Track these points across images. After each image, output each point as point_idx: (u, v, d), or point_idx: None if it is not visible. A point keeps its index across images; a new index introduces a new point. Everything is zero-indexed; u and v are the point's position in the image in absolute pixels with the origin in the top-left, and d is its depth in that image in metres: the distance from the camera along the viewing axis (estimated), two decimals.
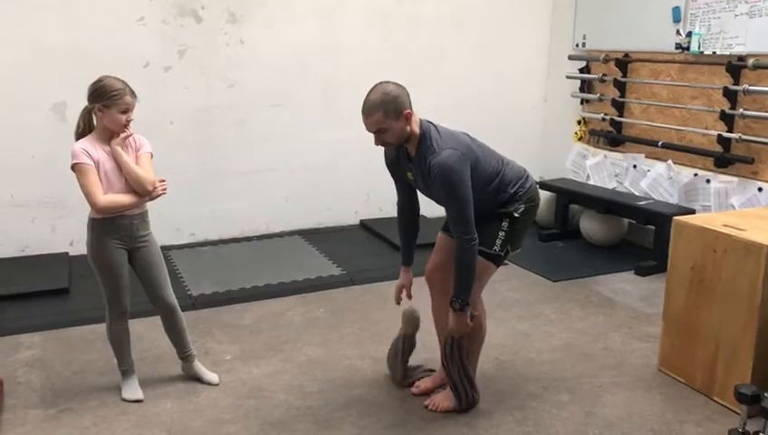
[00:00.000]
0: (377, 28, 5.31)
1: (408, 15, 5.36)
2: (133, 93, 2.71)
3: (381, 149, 2.80)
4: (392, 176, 2.90)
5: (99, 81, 2.69)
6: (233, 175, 5.06)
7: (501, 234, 2.74)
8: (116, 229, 2.76)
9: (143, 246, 2.84)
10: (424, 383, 3.04)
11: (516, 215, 2.76)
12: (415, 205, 2.95)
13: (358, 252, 4.85)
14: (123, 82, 2.71)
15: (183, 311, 3.05)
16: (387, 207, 5.59)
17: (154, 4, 4.63)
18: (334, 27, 5.18)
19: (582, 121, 5.64)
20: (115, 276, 2.81)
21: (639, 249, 4.96)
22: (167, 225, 4.63)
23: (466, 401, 2.85)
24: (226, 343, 3.48)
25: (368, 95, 2.59)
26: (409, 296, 3.02)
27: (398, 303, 3.05)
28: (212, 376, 3.07)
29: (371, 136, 2.65)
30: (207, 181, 4.98)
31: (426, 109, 5.78)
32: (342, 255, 4.73)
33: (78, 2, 4.44)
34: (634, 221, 5.04)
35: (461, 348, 2.79)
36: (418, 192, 2.88)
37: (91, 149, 2.69)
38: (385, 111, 2.55)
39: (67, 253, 4.53)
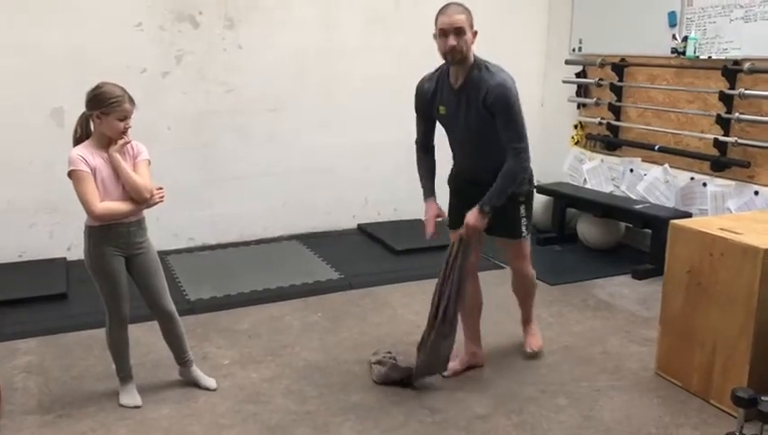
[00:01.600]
0: (374, 32, 5.32)
1: (406, 19, 5.37)
2: (132, 101, 2.71)
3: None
4: (419, 114, 3.06)
5: (98, 87, 2.69)
6: (231, 179, 5.06)
7: (523, 220, 3.06)
8: (113, 236, 2.76)
9: (141, 253, 2.84)
10: (453, 366, 3.17)
11: (522, 199, 3.03)
12: (432, 144, 3.15)
13: (356, 256, 4.86)
14: (122, 88, 2.70)
15: (181, 315, 3.05)
16: (385, 211, 5.61)
17: (152, 9, 4.64)
18: (332, 32, 5.19)
19: (579, 126, 5.66)
20: (113, 284, 2.80)
21: (636, 253, 4.97)
22: (165, 229, 4.64)
23: (444, 320, 2.94)
24: (225, 347, 3.48)
25: (449, 4, 2.80)
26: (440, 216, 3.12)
27: (431, 234, 3.06)
28: (210, 381, 3.07)
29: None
30: (206, 186, 4.98)
31: None
32: (340, 259, 4.74)
33: (76, 7, 4.44)
34: (631, 225, 5.06)
35: (465, 255, 2.92)
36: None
37: (88, 155, 2.69)
38: (468, 17, 2.78)
39: (65, 258, 4.53)
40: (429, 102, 2.96)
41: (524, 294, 3.39)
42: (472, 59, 2.83)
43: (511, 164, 2.82)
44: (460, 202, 3.04)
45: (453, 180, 3.16)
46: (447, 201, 3.17)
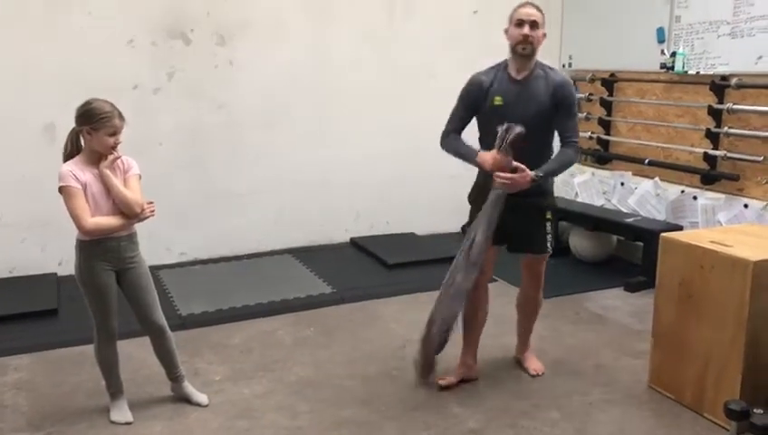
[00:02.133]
0: (367, 47, 5.35)
1: (398, 34, 5.41)
2: (121, 116, 2.71)
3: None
4: (465, 103, 3.06)
5: (87, 103, 2.69)
6: (223, 194, 5.06)
7: (548, 237, 3.12)
8: (104, 251, 2.75)
9: (132, 268, 2.83)
10: (448, 378, 3.18)
11: (550, 214, 3.11)
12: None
13: (348, 270, 4.85)
14: (111, 104, 2.71)
15: (172, 330, 3.03)
16: (377, 224, 5.61)
17: (144, 26, 4.65)
18: (324, 47, 5.22)
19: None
20: (103, 299, 2.79)
21: (628, 265, 4.99)
22: (157, 244, 4.62)
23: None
24: (216, 363, 3.46)
25: (527, 2, 2.99)
26: None
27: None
28: (201, 397, 3.05)
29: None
30: (198, 201, 4.98)
31: (416, 124, 5.85)
32: (333, 273, 4.73)
33: (68, 24, 4.46)
34: (623, 238, 5.08)
35: (492, 217, 2.91)
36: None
37: (78, 171, 2.68)
38: (543, 17, 2.96)
39: (56, 273, 4.51)
40: (483, 93, 2.99)
41: (532, 312, 3.39)
42: (536, 57, 2.99)
43: (570, 152, 2.99)
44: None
45: (481, 192, 3.04)
46: (471, 213, 3.15)
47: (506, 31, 2.99)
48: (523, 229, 3.05)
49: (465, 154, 3.02)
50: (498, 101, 2.96)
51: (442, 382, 3.17)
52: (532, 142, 2.90)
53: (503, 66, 3.03)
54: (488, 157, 2.88)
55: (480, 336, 3.29)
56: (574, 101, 3.05)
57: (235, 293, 4.33)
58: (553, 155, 3.04)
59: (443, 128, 3.11)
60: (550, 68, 3.04)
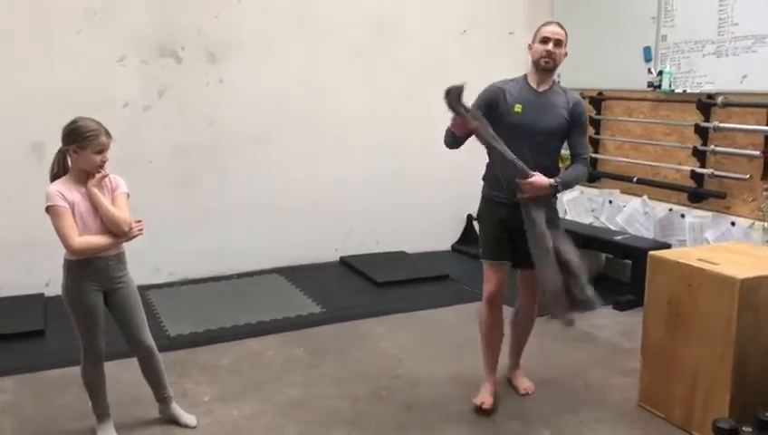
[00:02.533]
0: (356, 67, 5.38)
1: (387, 55, 5.45)
2: (108, 134, 2.71)
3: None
4: (485, 102, 3.05)
5: (73, 122, 2.69)
6: (213, 213, 5.05)
7: None
8: (92, 271, 2.73)
9: (119, 288, 2.81)
10: (486, 399, 3.17)
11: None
12: None
13: (338, 289, 4.84)
14: (98, 122, 2.70)
15: (160, 351, 3.01)
16: (367, 243, 5.61)
17: (135, 44, 4.67)
18: (314, 67, 5.25)
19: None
20: (90, 319, 2.77)
21: (617, 283, 4.99)
22: (145, 264, 4.59)
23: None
24: (204, 383, 3.43)
25: (552, 21, 3.16)
26: None
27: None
28: (189, 418, 3.02)
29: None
30: (187, 220, 4.96)
31: (404, 141, 5.86)
32: (322, 292, 4.72)
33: (58, 42, 4.46)
34: (611, 256, 5.10)
35: (536, 217, 2.95)
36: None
37: (65, 190, 2.67)
38: (566, 37, 3.09)
39: (43, 294, 4.47)
40: (502, 99, 3.05)
41: (528, 326, 3.41)
42: (556, 74, 3.14)
43: (582, 167, 3.15)
44: (504, 231, 3.09)
45: (494, 208, 3.13)
46: (481, 237, 3.19)
47: (530, 46, 3.10)
48: (525, 244, 3.02)
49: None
50: (518, 108, 3.03)
51: (485, 406, 3.13)
52: (546, 153, 3.02)
53: (521, 79, 3.13)
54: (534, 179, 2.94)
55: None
56: (586, 118, 3.22)
57: (224, 313, 4.30)
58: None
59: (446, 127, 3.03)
60: (561, 85, 3.18)
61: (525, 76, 3.13)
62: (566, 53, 3.11)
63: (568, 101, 3.09)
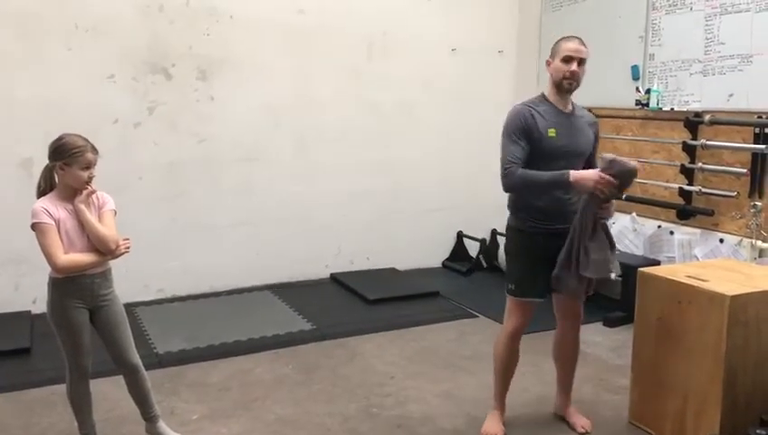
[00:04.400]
0: (347, 84, 5.40)
1: (379, 72, 5.48)
2: (95, 150, 2.69)
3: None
4: (525, 134, 2.83)
5: (59, 138, 2.67)
6: (203, 229, 5.03)
7: None
8: (77, 289, 2.70)
9: (105, 305, 2.78)
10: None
11: None
12: None
13: (328, 306, 4.82)
14: (84, 138, 2.69)
15: (148, 369, 2.98)
16: (358, 260, 5.60)
17: (125, 61, 4.67)
18: (305, 83, 5.26)
19: None
20: (75, 337, 2.73)
21: (607, 300, 4.98)
22: (134, 280, 4.57)
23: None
24: (193, 401, 3.40)
25: (573, 36, 2.92)
26: None
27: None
28: None
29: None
30: (177, 236, 4.94)
31: (396, 160, 5.88)
32: (313, 309, 4.69)
33: (48, 58, 4.45)
34: None
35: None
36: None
37: (51, 207, 2.65)
38: (587, 53, 2.89)
39: (29, 311, 4.42)
40: (533, 123, 2.83)
41: (573, 357, 3.21)
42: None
43: None
44: (544, 265, 2.91)
45: (529, 240, 2.94)
46: (514, 272, 3.01)
47: (548, 63, 2.91)
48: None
49: (549, 181, 2.77)
50: (552, 132, 2.83)
51: None
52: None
53: (542, 99, 2.93)
54: (591, 174, 2.72)
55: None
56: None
57: (214, 330, 4.27)
58: None
59: (500, 170, 2.83)
60: (578, 105, 3.04)
61: (544, 96, 2.93)
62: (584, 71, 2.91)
63: (587, 120, 3.01)
